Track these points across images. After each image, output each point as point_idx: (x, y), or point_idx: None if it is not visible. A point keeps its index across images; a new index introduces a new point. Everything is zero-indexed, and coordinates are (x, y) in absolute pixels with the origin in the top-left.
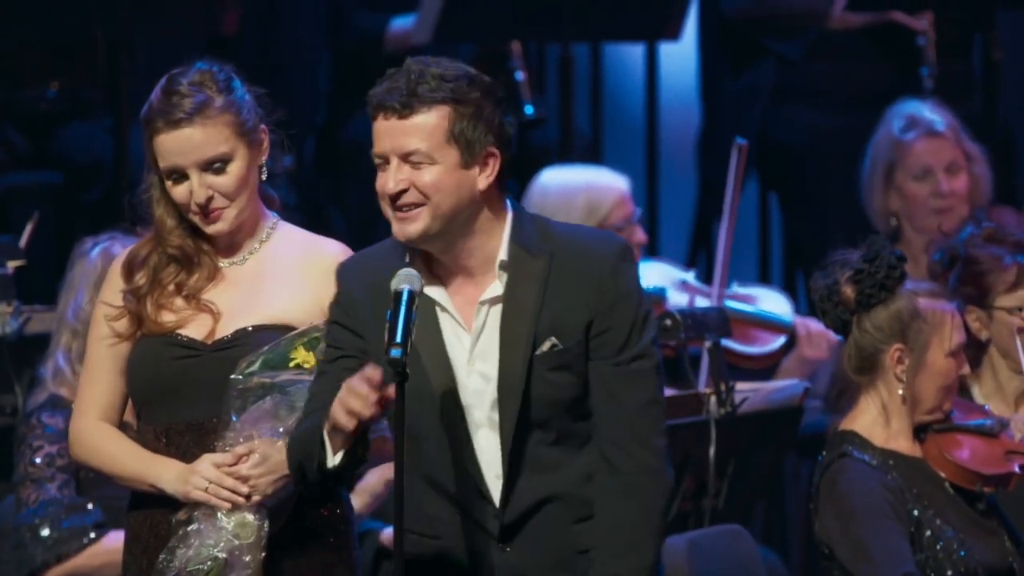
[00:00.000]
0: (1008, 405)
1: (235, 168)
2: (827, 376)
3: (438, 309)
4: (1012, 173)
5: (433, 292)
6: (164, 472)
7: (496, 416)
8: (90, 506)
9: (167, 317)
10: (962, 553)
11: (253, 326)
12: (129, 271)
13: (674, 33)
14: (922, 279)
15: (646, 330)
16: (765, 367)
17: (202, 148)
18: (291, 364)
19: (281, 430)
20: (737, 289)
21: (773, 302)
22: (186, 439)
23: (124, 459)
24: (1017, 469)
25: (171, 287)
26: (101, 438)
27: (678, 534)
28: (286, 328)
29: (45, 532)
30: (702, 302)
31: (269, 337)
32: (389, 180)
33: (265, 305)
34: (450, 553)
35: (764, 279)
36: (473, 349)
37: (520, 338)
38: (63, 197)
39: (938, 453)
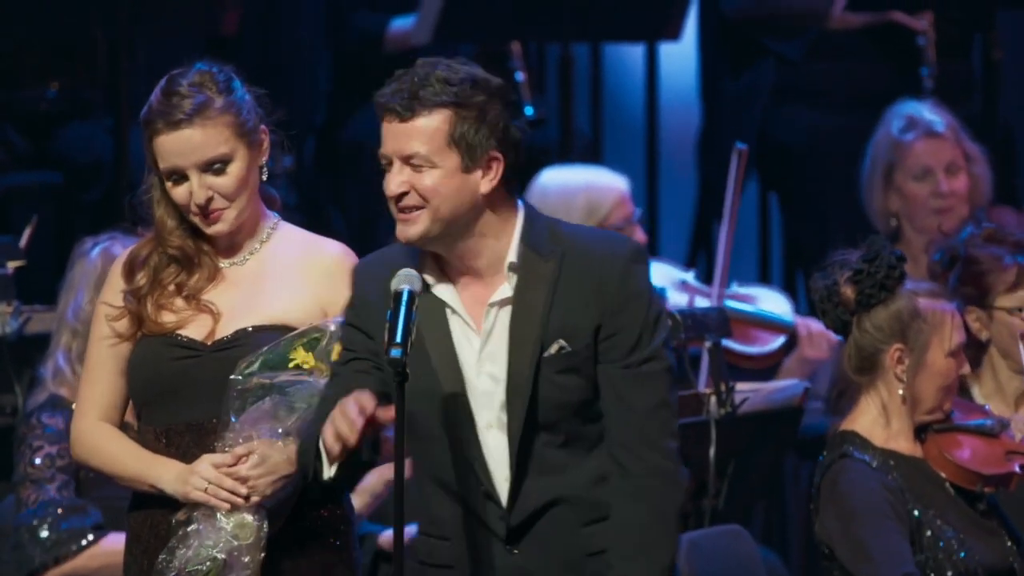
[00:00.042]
0: (1008, 405)
1: (235, 169)
2: (828, 377)
3: (448, 310)
4: (1012, 173)
5: (443, 293)
6: (164, 472)
7: (505, 417)
8: (90, 508)
9: (167, 317)
10: (962, 554)
11: (253, 326)
12: (130, 271)
13: (674, 33)
14: (922, 279)
15: (657, 332)
16: (765, 367)
17: (202, 149)
18: (290, 365)
19: (280, 431)
20: (737, 289)
21: (773, 302)
22: (186, 439)
23: (124, 459)
24: (1017, 469)
25: (171, 287)
26: (102, 438)
27: None
28: (286, 328)
29: (44, 533)
30: (702, 302)
31: (269, 337)
32: (391, 182)
33: (265, 305)
34: (458, 555)
35: (764, 279)
36: (482, 350)
37: (528, 340)
38: (63, 197)
39: (938, 453)
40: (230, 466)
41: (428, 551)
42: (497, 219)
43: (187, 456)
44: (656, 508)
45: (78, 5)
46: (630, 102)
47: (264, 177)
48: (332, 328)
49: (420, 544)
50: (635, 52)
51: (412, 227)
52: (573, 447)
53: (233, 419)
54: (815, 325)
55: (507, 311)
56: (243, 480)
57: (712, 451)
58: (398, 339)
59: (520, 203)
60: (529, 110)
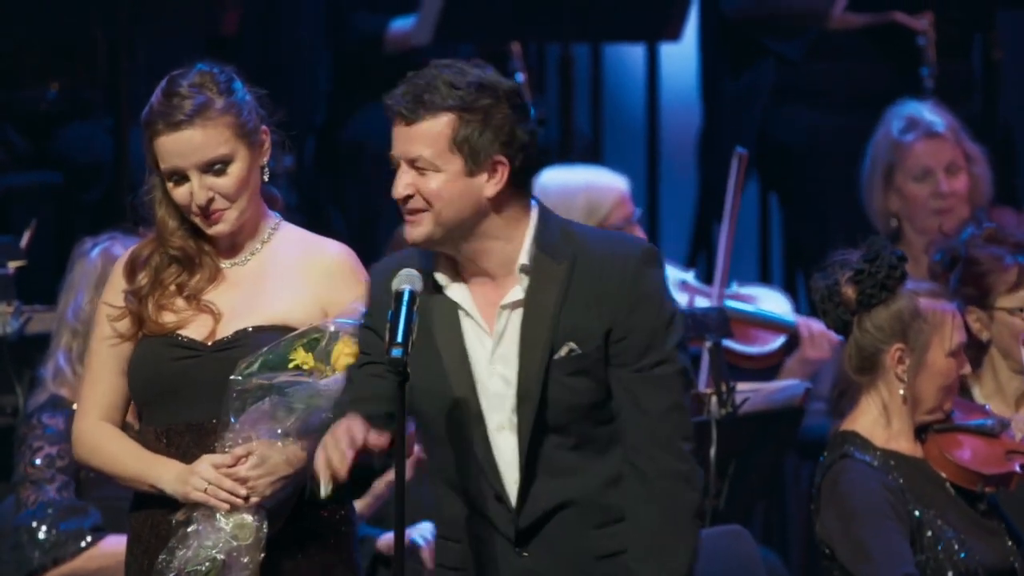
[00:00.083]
0: (1008, 406)
1: (236, 169)
2: (830, 378)
3: (460, 312)
4: (1012, 173)
5: (456, 294)
6: (164, 473)
7: (516, 419)
8: (89, 509)
9: (168, 318)
10: (963, 554)
11: (253, 327)
12: (131, 271)
13: (674, 34)
14: (923, 279)
15: (669, 335)
16: (765, 367)
17: (202, 150)
18: (290, 365)
19: (279, 431)
20: (737, 289)
21: (773, 302)
22: (186, 440)
23: (125, 459)
24: (1018, 469)
25: (172, 288)
26: (103, 438)
27: None
28: (286, 329)
29: (42, 534)
30: (702, 302)
31: (269, 338)
32: (397, 184)
33: (266, 306)
34: (468, 557)
35: (764, 279)
36: (494, 352)
37: (538, 342)
38: (63, 197)
39: (939, 453)
40: (229, 467)
41: (442, 553)
42: (505, 222)
43: (187, 456)
44: (671, 510)
45: (78, 5)
46: (630, 102)
47: (266, 178)
48: (332, 329)
49: (437, 547)
50: (635, 52)
51: (416, 229)
52: (584, 450)
53: (233, 420)
54: (816, 325)
55: (519, 313)
56: (242, 481)
57: (713, 451)
58: (399, 339)
59: (534, 204)
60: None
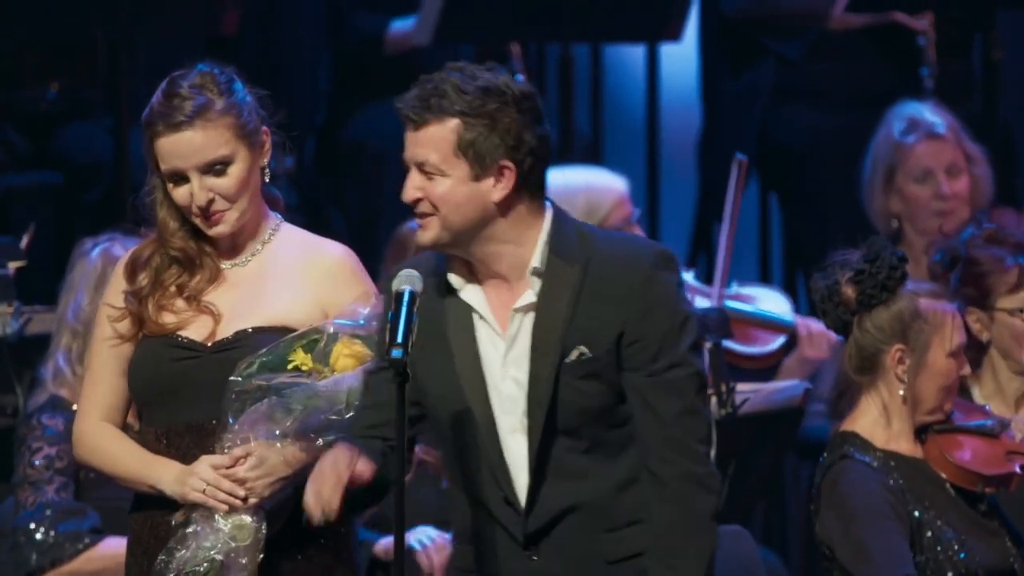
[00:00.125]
0: (1008, 406)
1: (236, 170)
2: (829, 378)
3: (475, 315)
4: (1012, 173)
5: (470, 297)
6: (163, 473)
7: (527, 422)
8: (88, 511)
9: (168, 318)
10: (963, 555)
11: (253, 328)
12: (132, 272)
13: (675, 34)
14: (923, 280)
15: (682, 338)
16: (765, 367)
17: (202, 151)
18: (289, 366)
19: (277, 432)
20: (737, 289)
21: (772, 302)
22: (186, 440)
23: (125, 460)
24: (1018, 470)
25: (173, 288)
26: (103, 439)
27: None
28: (286, 330)
29: (40, 536)
30: (702, 303)
31: (269, 339)
32: (406, 188)
33: (266, 307)
34: (479, 559)
35: (764, 279)
36: (507, 355)
37: (549, 346)
38: (63, 197)
39: (939, 454)
40: (228, 467)
41: (458, 556)
42: (515, 225)
43: (187, 457)
44: (686, 513)
45: (78, 5)
46: (630, 103)
47: (267, 179)
48: (331, 330)
49: (453, 550)
50: (635, 53)
51: (424, 233)
52: (596, 453)
53: (231, 421)
54: (815, 325)
55: (531, 316)
56: (241, 482)
57: (712, 452)
58: (399, 339)
59: (549, 206)
60: None
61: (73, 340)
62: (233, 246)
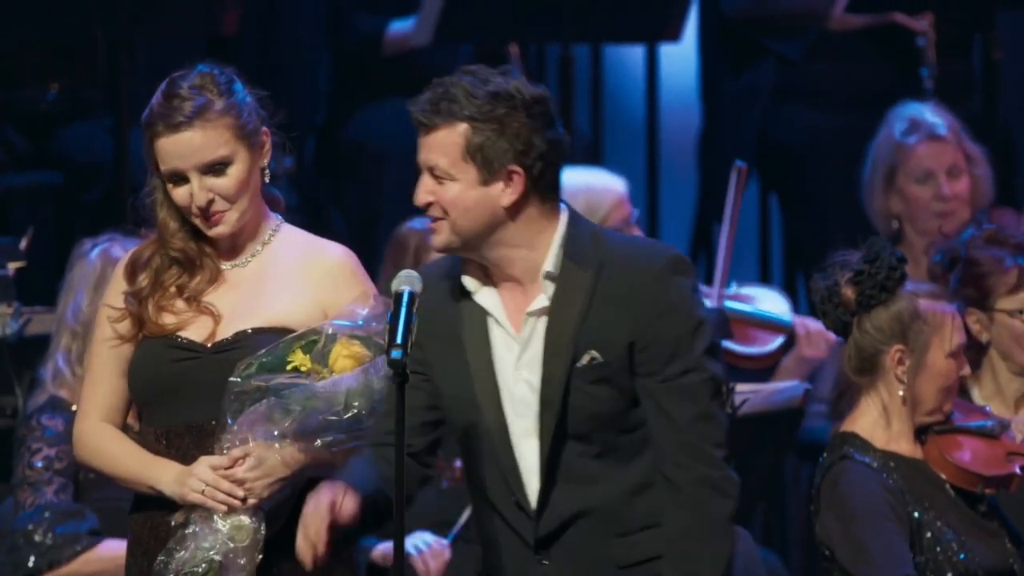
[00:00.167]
0: (1008, 407)
1: (235, 171)
2: (829, 379)
3: (489, 318)
4: (1012, 173)
5: (484, 299)
6: (163, 474)
7: (539, 426)
8: (87, 512)
9: (168, 319)
10: (962, 555)
11: (253, 328)
12: (132, 273)
13: (674, 34)
14: (923, 281)
15: (696, 343)
16: (764, 367)
17: (202, 151)
18: (288, 367)
19: (276, 433)
20: (737, 289)
21: (772, 302)
22: (186, 441)
23: (125, 460)
24: (1018, 470)
25: (172, 289)
26: (103, 439)
27: None
28: (286, 331)
29: (38, 538)
30: None
31: (268, 340)
32: (417, 191)
33: (266, 307)
34: (491, 562)
35: (764, 279)
36: (520, 358)
37: (561, 350)
38: (63, 197)
39: (939, 455)
40: (227, 468)
41: (478, 559)
42: (526, 229)
43: (187, 457)
44: (700, 517)
45: (78, 5)
46: (630, 103)
47: (267, 179)
48: (329, 331)
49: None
50: (635, 53)
51: (437, 237)
52: (607, 458)
53: (230, 421)
54: (813, 324)
55: (544, 320)
56: (240, 482)
57: None
58: (398, 340)
59: (563, 210)
60: None
61: (73, 341)
62: (233, 247)
